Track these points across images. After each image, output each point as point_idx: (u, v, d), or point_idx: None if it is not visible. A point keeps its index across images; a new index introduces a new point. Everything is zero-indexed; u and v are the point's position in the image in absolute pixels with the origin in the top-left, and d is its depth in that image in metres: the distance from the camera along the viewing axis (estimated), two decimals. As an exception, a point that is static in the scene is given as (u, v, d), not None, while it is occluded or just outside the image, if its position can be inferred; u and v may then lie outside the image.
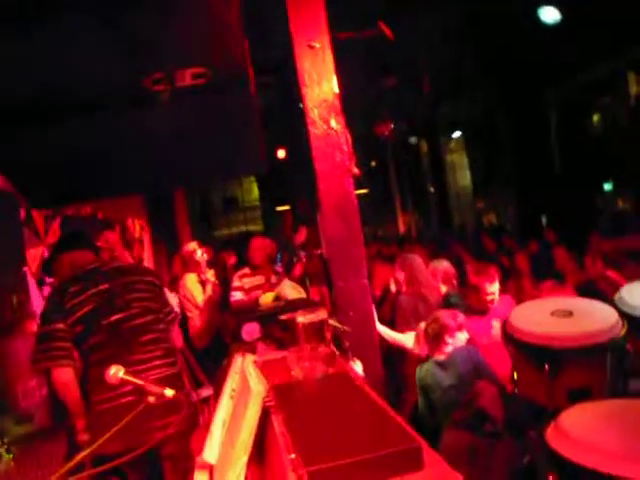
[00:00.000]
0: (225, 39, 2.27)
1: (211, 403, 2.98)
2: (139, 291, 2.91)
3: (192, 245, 6.68)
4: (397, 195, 19.37)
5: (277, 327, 2.17)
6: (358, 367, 2.72)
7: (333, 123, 3.82)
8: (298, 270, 6.51)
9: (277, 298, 3.68)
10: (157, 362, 2.82)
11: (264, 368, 1.62)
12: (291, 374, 1.53)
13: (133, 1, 2.23)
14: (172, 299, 4.66)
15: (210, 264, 6.15)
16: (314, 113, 3.83)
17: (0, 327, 3.66)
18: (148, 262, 8.03)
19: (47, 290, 4.06)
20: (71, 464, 1.28)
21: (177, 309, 4.70)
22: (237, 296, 4.93)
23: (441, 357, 3.44)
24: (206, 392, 4.02)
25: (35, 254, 4.43)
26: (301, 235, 7.31)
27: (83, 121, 2.31)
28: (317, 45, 3.88)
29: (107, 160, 2.60)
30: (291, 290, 3.78)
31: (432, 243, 10.57)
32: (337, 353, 1.75)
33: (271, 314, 2.29)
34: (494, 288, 4.00)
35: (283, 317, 2.13)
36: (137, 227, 8.25)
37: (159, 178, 2.77)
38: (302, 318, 1.57)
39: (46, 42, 2.17)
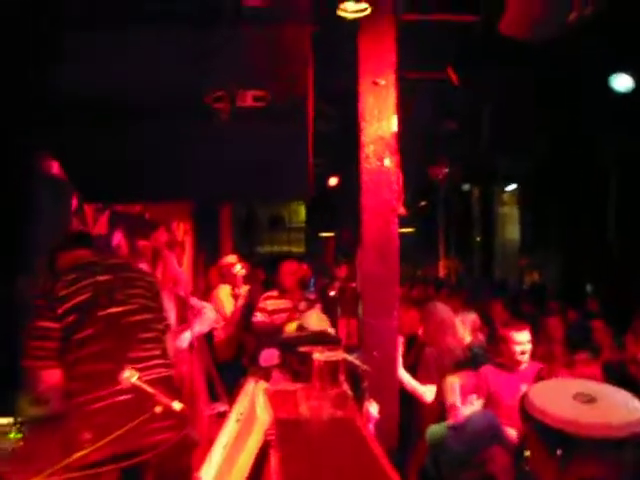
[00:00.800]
0: (291, 67, 2.31)
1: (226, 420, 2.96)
2: (140, 288, 2.81)
3: (231, 258, 6.77)
4: (442, 238, 19.20)
5: (296, 358, 2.15)
6: (373, 408, 2.67)
7: (387, 161, 3.83)
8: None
9: (300, 327, 3.66)
10: (156, 361, 2.68)
11: (274, 398, 1.61)
12: (297, 409, 1.52)
13: (207, 19, 2.31)
14: (209, 311, 4.71)
15: (246, 280, 6.22)
16: (369, 149, 3.85)
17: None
18: (187, 268, 8.14)
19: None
20: (58, 467, 1.28)
21: (212, 317, 4.73)
22: (258, 317, 4.95)
23: (455, 420, 3.36)
24: (222, 407, 4.03)
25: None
26: (342, 271, 7.33)
27: (144, 127, 2.38)
28: (382, 82, 3.92)
29: (161, 165, 2.66)
30: (316, 320, 3.76)
31: (469, 292, 10.39)
32: (350, 395, 1.72)
33: (292, 344, 2.27)
34: (523, 337, 3.86)
35: (303, 349, 2.11)
36: (181, 230, 8.41)
37: (207, 189, 2.81)
38: (319, 355, 1.56)
39: (118, 47, 2.27)
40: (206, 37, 2.31)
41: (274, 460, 1.21)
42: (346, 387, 1.72)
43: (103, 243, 5.40)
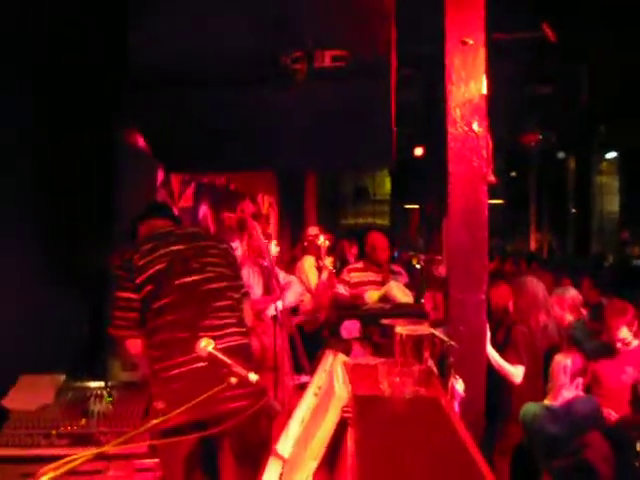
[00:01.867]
0: (371, 24, 2.18)
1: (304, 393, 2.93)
2: (214, 256, 2.79)
3: (314, 230, 6.75)
4: (534, 211, 18.36)
5: (377, 330, 2.06)
6: (459, 386, 2.54)
7: (475, 125, 3.61)
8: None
9: (383, 298, 3.55)
10: (231, 329, 2.67)
11: (353, 372, 1.53)
12: (378, 385, 1.43)
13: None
14: (295, 283, 4.71)
15: (330, 252, 6.19)
16: (456, 113, 3.64)
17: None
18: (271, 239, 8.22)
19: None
20: (136, 432, 1.27)
21: (298, 289, 4.74)
22: (340, 289, 4.88)
23: (556, 401, 3.15)
24: (305, 378, 4.03)
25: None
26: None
27: (223, 92, 2.33)
28: (470, 42, 3.68)
29: (242, 134, 2.61)
30: (399, 292, 3.63)
31: (562, 267, 9.89)
32: (434, 372, 1.61)
33: (374, 315, 2.17)
34: (627, 334, 3.63)
35: (385, 321, 2.02)
36: (266, 203, 8.48)
37: (290, 157, 2.74)
38: (401, 329, 1.46)
39: (190, 10, 2.22)
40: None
41: (350, 439, 1.13)
42: (431, 363, 1.61)
43: (189, 215, 5.52)
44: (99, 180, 3.73)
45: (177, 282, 2.64)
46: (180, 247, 2.73)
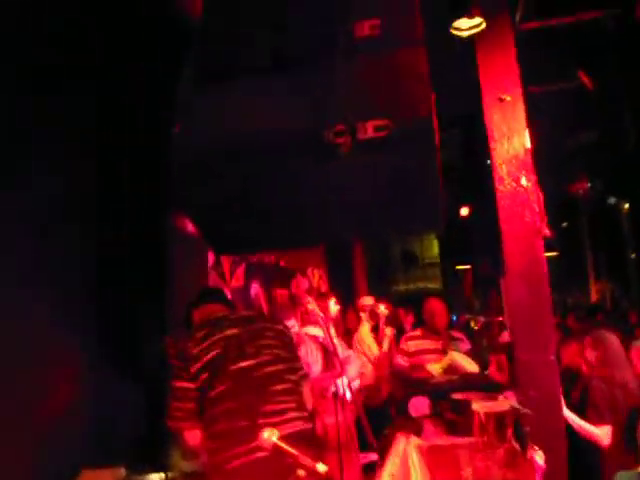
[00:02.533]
0: (410, 89, 2.17)
1: (375, 473, 2.77)
2: (270, 338, 2.74)
3: (368, 299, 6.66)
4: (591, 260, 17.76)
5: (449, 406, 1.92)
6: (539, 457, 2.34)
7: (523, 181, 3.54)
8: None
9: (448, 369, 3.39)
10: (292, 414, 2.56)
11: (429, 456, 1.41)
12: (460, 472, 1.30)
13: (318, 57, 2.25)
14: (354, 356, 4.59)
15: (389, 321, 6.07)
16: (502, 170, 3.59)
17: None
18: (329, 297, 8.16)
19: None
20: None
21: (358, 362, 4.61)
22: (398, 360, 4.71)
23: None
24: (373, 456, 3.84)
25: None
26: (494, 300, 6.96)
27: (269, 172, 2.33)
28: (508, 98, 3.67)
29: (289, 211, 2.60)
30: (464, 361, 3.47)
31: (628, 317, 9.40)
32: (520, 452, 1.47)
33: (443, 390, 2.04)
34: None
35: (456, 396, 1.89)
36: (316, 276, 8.46)
37: (336, 230, 2.71)
38: (479, 405, 1.34)
39: (238, 91, 2.27)
40: (322, 74, 2.24)
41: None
42: (513, 441, 1.47)
43: (241, 295, 5.53)
44: (152, 266, 3.78)
45: (232, 368, 2.59)
46: (234, 331, 2.69)
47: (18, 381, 2.61)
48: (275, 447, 1.58)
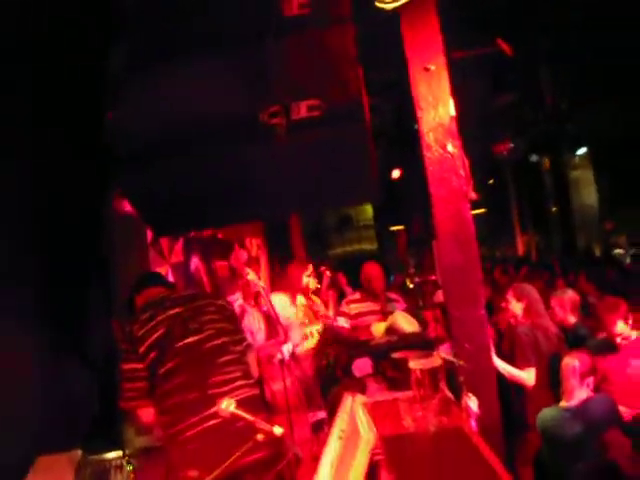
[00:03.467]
0: (340, 70, 2.27)
1: (324, 431, 2.93)
2: (211, 313, 2.84)
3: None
4: (516, 215, 18.58)
5: (389, 365, 2.09)
6: (473, 403, 2.57)
7: (450, 147, 3.71)
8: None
9: (389, 330, 3.58)
10: (239, 382, 2.70)
11: (373, 410, 1.57)
12: (401, 422, 1.46)
13: (249, 38, 2.30)
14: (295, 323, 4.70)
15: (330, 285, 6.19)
16: (429, 137, 3.74)
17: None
18: (264, 280, 8.24)
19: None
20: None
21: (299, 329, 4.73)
22: (340, 322, 4.90)
23: (572, 403, 3.17)
24: (321, 414, 4.03)
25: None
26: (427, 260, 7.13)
27: (205, 155, 2.39)
28: (433, 68, 3.81)
29: (227, 192, 2.67)
30: (404, 321, 3.67)
31: (553, 267, 9.99)
32: (453, 400, 1.65)
33: (384, 350, 2.21)
34: (624, 328, 3.70)
35: (396, 355, 2.05)
36: (254, 246, 8.52)
37: (275, 207, 2.80)
38: (415, 363, 1.50)
39: (173, 77, 2.30)
40: (253, 55, 2.31)
41: (387, 481, 1.16)
42: (446, 390, 1.65)
43: (182, 270, 5.53)
44: (91, 248, 3.76)
45: (179, 344, 2.67)
46: (177, 310, 2.77)
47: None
48: (233, 416, 1.70)
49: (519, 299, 4.20)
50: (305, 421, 4.21)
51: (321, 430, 3.55)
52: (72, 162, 3.39)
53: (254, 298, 5.00)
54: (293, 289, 5.12)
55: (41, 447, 2.99)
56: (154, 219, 2.93)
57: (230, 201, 2.55)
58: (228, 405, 1.74)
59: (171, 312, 2.76)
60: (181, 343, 2.68)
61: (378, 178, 2.33)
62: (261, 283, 4.20)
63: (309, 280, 5.64)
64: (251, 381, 2.81)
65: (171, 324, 2.71)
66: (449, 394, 1.74)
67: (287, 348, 4.03)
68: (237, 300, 4.47)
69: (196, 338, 2.71)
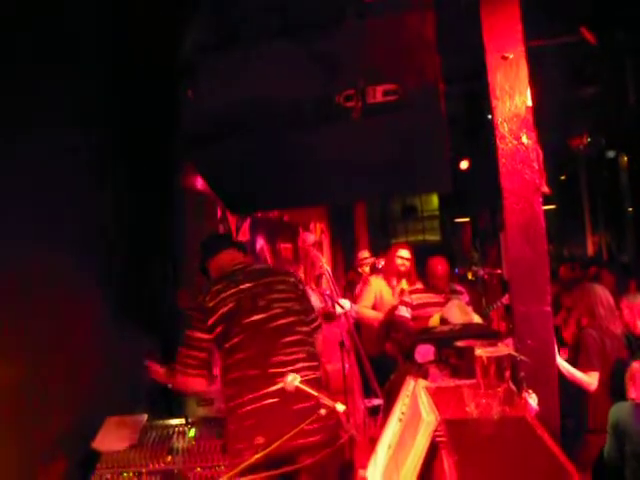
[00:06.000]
0: (418, 56, 2.26)
1: (380, 416, 2.95)
2: (281, 291, 2.85)
3: (364, 253, 6.81)
4: (588, 213, 17.89)
5: (452, 353, 2.09)
6: (533, 400, 2.54)
7: (524, 139, 3.63)
8: None
9: (443, 320, 3.55)
10: (300, 365, 2.70)
11: (436, 396, 1.58)
12: (464, 408, 1.47)
13: (328, 22, 2.32)
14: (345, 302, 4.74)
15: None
16: (504, 127, 3.66)
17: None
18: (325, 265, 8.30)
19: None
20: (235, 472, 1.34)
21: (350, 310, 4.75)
22: (402, 311, 4.89)
23: None
24: (376, 401, 4.06)
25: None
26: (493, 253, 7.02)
27: (279, 135, 2.44)
28: (511, 56, 3.71)
29: (299, 173, 2.72)
30: (457, 312, 3.63)
31: (623, 269, 9.59)
32: (516, 392, 1.64)
33: (448, 338, 2.21)
34: None
35: (460, 343, 2.05)
36: (318, 230, 8.61)
37: (346, 191, 2.83)
38: (481, 351, 1.50)
39: (249, 59, 2.35)
40: (332, 38, 2.33)
41: (448, 464, 1.18)
42: (511, 382, 1.64)
43: (247, 249, 5.67)
44: (163, 222, 3.91)
45: (245, 321, 2.71)
46: (248, 285, 2.80)
47: (37, 332, 2.72)
48: (298, 390, 1.74)
49: (587, 298, 4.07)
50: (360, 405, 4.26)
51: (377, 415, 3.57)
52: (147, 138, 3.50)
53: (315, 281, 5.06)
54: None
55: (110, 411, 3.15)
56: (225, 196, 3.01)
57: (302, 183, 2.59)
58: (293, 380, 1.79)
59: (242, 286, 2.79)
60: (247, 320, 2.71)
61: (450, 167, 2.31)
62: (326, 266, 4.24)
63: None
64: (314, 363, 2.81)
65: (241, 299, 2.75)
66: (513, 386, 1.73)
67: (348, 332, 4.07)
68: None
69: (263, 316, 2.74)
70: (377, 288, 5.41)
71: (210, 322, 2.73)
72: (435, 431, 1.29)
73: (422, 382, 1.63)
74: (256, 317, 2.73)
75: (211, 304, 2.74)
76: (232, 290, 2.78)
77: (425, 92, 2.15)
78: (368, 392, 4.18)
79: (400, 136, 2.23)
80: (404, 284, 5.28)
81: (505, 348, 1.53)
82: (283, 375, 2.43)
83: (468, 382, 1.57)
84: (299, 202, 3.00)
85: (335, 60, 2.25)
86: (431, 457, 1.33)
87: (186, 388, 2.93)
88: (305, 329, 2.85)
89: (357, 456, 2.64)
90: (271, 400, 2.53)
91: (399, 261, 5.31)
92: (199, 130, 2.62)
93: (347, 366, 4.01)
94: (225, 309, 2.73)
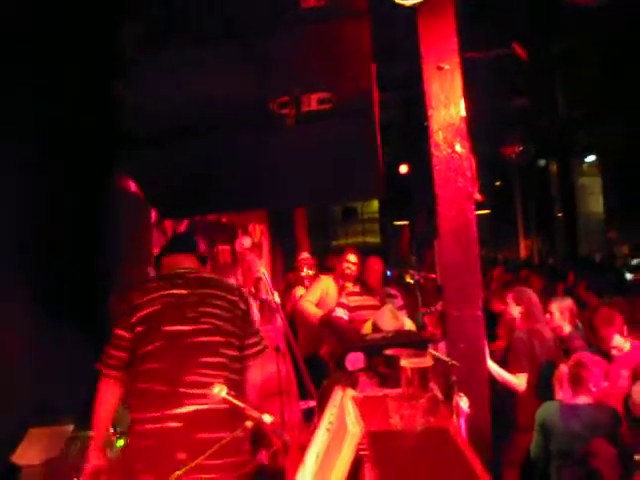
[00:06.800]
0: (353, 64, 2.27)
1: (315, 419, 2.95)
2: (216, 307, 2.54)
3: (304, 255, 6.83)
4: (521, 218, 18.56)
5: (382, 361, 2.11)
6: (464, 403, 2.59)
7: (458, 147, 3.71)
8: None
9: (374, 327, 3.58)
10: None
11: (363, 405, 1.59)
12: (389, 419, 1.48)
13: (265, 26, 2.31)
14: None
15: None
16: (439, 136, 3.74)
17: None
18: (265, 267, 8.27)
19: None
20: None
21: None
22: (339, 312, 4.92)
23: (577, 401, 3.20)
24: (312, 403, 4.05)
25: (161, 254, 4.70)
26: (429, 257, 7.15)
27: (213, 140, 2.40)
28: (446, 67, 3.80)
29: (233, 177, 2.68)
30: (389, 317, 3.68)
31: (551, 272, 9.99)
32: (441, 400, 1.67)
33: (378, 346, 2.23)
34: (620, 341, 3.73)
35: (388, 352, 2.07)
36: (258, 232, 8.56)
37: (280, 196, 2.81)
38: (406, 362, 1.52)
39: (178, 65, 2.31)
40: (267, 43, 2.31)
41: (369, 476, 1.18)
42: (436, 390, 1.67)
43: (206, 260, 5.55)
44: (98, 223, 3.79)
45: (167, 328, 2.44)
46: (182, 292, 2.53)
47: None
48: (225, 401, 1.71)
49: (518, 302, 4.20)
50: (296, 407, 4.24)
51: (311, 418, 3.57)
52: (78, 141, 3.39)
53: (254, 284, 5.01)
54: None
55: (38, 420, 3.02)
56: (158, 201, 2.95)
57: (235, 188, 2.56)
58: (220, 391, 1.75)
59: (175, 291, 2.52)
60: (170, 328, 2.45)
61: (384, 174, 2.34)
62: (263, 269, 4.20)
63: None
64: (232, 393, 2.31)
65: (167, 304, 2.48)
66: (439, 394, 1.76)
67: (284, 335, 4.05)
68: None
69: (187, 328, 2.46)
70: (325, 286, 5.46)
71: (133, 320, 2.47)
72: (360, 443, 1.29)
73: (350, 392, 1.63)
74: (180, 327, 2.46)
75: (138, 301, 2.49)
76: (163, 292, 2.51)
77: (359, 100, 2.16)
78: (304, 394, 4.18)
79: (334, 144, 2.24)
80: (350, 286, 5.34)
81: (430, 358, 1.56)
82: (193, 397, 2.29)
83: (395, 392, 1.58)
84: (234, 207, 2.95)
85: (270, 65, 2.24)
86: (356, 469, 1.33)
87: (105, 392, 2.51)
88: (231, 353, 2.52)
89: (289, 464, 2.63)
90: (174, 424, 2.30)
91: (345, 264, 5.40)
92: (131, 131, 2.54)
93: (282, 369, 3.99)
94: (150, 310, 2.47)
